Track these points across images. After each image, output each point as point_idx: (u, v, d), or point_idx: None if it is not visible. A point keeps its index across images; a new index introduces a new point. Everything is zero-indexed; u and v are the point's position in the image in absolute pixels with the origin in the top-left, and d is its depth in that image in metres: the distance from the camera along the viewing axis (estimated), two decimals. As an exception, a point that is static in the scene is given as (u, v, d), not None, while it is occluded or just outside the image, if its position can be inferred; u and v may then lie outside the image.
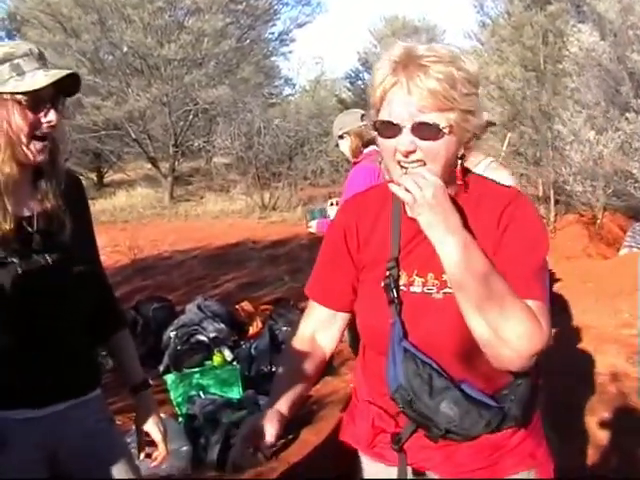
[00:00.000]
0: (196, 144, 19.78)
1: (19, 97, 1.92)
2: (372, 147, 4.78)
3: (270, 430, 1.84)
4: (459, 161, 1.79)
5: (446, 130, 1.70)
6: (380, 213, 1.94)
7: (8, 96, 1.92)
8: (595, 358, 5.73)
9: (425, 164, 1.72)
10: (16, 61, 1.95)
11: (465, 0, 13.52)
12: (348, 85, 28.78)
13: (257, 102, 18.98)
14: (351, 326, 2.10)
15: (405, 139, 1.70)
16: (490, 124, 4.67)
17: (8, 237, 1.97)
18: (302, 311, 5.92)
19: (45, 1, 17.40)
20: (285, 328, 5.93)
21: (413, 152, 1.71)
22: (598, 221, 10.85)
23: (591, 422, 4.62)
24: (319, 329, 2.10)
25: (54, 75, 1.95)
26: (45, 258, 2.06)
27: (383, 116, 1.75)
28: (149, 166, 21.39)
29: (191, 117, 19.39)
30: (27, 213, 2.06)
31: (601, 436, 4.42)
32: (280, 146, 17.70)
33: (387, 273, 1.85)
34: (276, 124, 17.70)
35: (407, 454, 1.87)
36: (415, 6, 75.18)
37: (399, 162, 1.73)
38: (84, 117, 17.82)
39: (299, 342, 2.10)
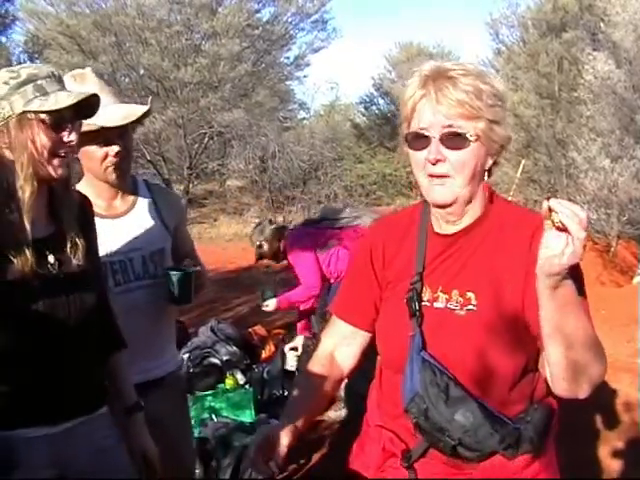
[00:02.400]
0: (210, 167, 19.85)
1: (43, 116, 1.97)
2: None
3: (284, 441, 1.89)
4: (486, 175, 1.83)
5: (473, 138, 1.75)
6: (407, 232, 1.97)
7: (32, 115, 1.96)
8: (608, 387, 5.69)
9: (453, 178, 1.76)
10: (39, 82, 2.00)
11: (480, 27, 13.58)
12: (362, 110, 28.83)
13: (272, 126, 19.05)
14: None
15: (434, 148, 1.75)
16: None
17: (26, 258, 1.99)
18: (314, 335, 5.92)
19: (64, 23, 17.57)
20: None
21: (442, 161, 1.76)
22: (612, 249, 10.81)
23: (604, 452, 4.59)
24: (339, 345, 2.13)
25: (77, 95, 2.01)
26: (60, 279, 2.08)
27: (412, 127, 1.81)
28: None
29: (206, 140, 19.46)
30: (42, 234, 2.08)
31: (614, 466, 4.40)
32: (294, 170, 17.76)
33: (410, 287, 1.87)
34: (290, 148, 17.75)
35: (417, 472, 1.87)
36: (430, 33, 75.58)
37: (429, 174, 1.78)
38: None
39: (319, 358, 2.14)
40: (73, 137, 2.03)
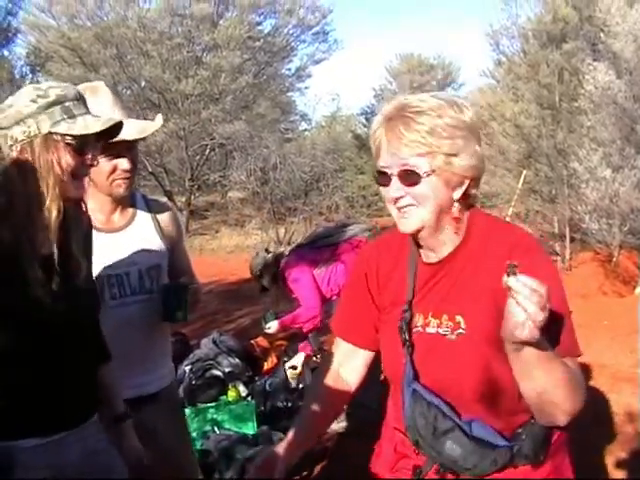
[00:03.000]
0: (212, 178, 19.89)
1: (69, 139, 2.01)
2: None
3: (284, 459, 1.95)
4: (456, 205, 1.87)
5: (425, 174, 1.80)
6: (398, 257, 2.03)
7: (59, 137, 2.00)
8: (611, 397, 5.69)
9: (416, 206, 1.83)
10: (67, 104, 2.04)
11: (481, 38, 13.61)
12: (364, 121, 28.86)
13: (273, 137, 19.09)
14: None
15: (393, 186, 1.83)
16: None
17: (39, 274, 2.04)
18: (314, 353, 5.92)
19: (65, 36, 17.64)
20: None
21: (403, 197, 1.83)
22: (614, 259, 10.80)
23: (607, 463, 4.58)
24: (344, 362, 2.18)
25: (106, 122, 2.07)
26: (63, 296, 2.11)
27: (377, 166, 1.89)
28: (165, 200, 21.46)
29: (207, 152, 19.51)
30: (47, 252, 2.10)
31: (617, 476, 4.39)
32: (296, 181, 17.77)
33: (401, 316, 1.93)
34: (292, 159, 17.77)
35: None
36: (431, 44, 75.70)
37: (396, 207, 1.86)
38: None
39: (325, 376, 2.19)
40: (95, 160, 2.10)
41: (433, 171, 1.80)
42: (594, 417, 5.31)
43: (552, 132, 11.61)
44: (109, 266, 2.66)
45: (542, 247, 1.95)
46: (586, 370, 6.09)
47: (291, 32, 20.39)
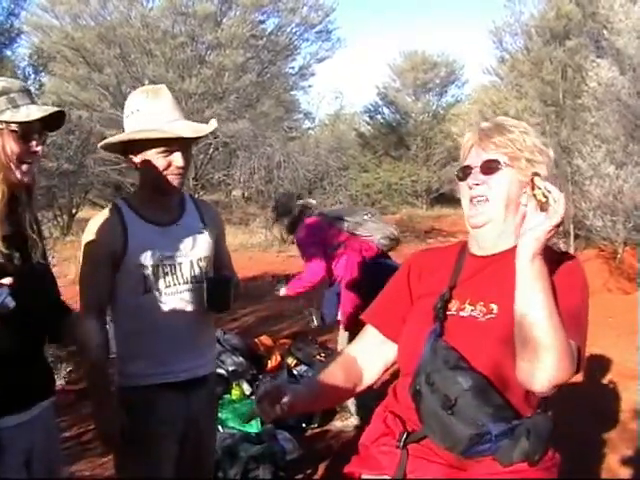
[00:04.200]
0: (216, 177, 19.90)
1: (13, 127, 2.17)
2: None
3: (292, 393, 2.01)
4: (522, 207, 1.98)
5: (504, 164, 2.01)
6: (447, 257, 2.18)
7: (3, 125, 2.16)
8: (616, 394, 5.68)
9: (488, 200, 2.02)
10: (12, 95, 2.20)
11: (484, 35, 13.60)
12: (367, 119, 28.92)
13: (277, 136, 19.10)
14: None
15: (473, 175, 2.05)
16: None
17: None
18: (321, 345, 5.98)
19: (69, 36, 17.64)
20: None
21: (479, 184, 2.03)
22: (619, 256, 10.78)
23: (613, 459, 4.58)
24: (364, 353, 2.27)
25: (46, 110, 2.23)
26: (24, 273, 2.22)
27: (462, 164, 2.10)
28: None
29: (211, 150, 19.51)
30: (4, 232, 2.23)
31: (623, 473, 4.38)
32: (299, 180, 17.79)
33: (440, 297, 2.04)
34: (295, 158, 17.78)
35: (409, 453, 1.98)
36: (434, 41, 75.73)
37: (470, 197, 2.05)
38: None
39: (343, 356, 2.31)
40: (39, 147, 2.24)
41: (512, 164, 2.01)
42: (599, 414, 5.31)
43: (556, 129, 11.60)
44: (163, 257, 2.83)
45: (582, 267, 2.09)
46: (591, 367, 6.08)
47: (294, 31, 20.35)
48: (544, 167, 2.03)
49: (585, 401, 5.12)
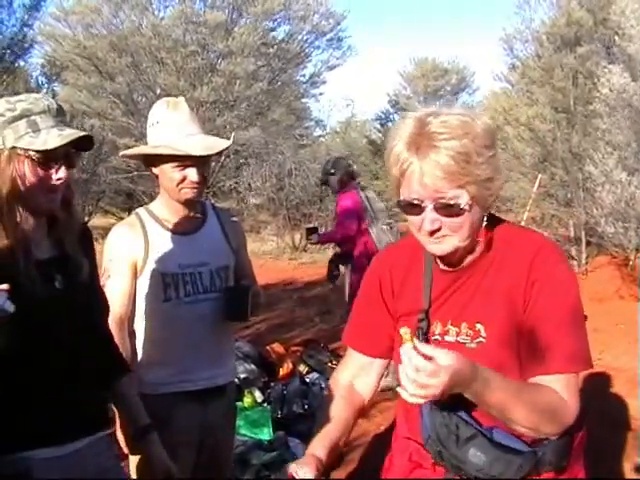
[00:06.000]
0: (227, 185, 19.92)
1: (32, 153, 2.02)
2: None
3: (309, 475, 1.86)
4: (485, 221, 1.84)
5: (467, 207, 1.74)
6: (411, 265, 2.00)
7: (22, 152, 2.02)
8: (628, 402, 5.66)
9: (451, 235, 1.78)
10: (33, 117, 2.05)
11: (494, 42, 13.57)
12: (378, 126, 28.86)
13: (288, 144, 19.10)
14: None
15: (429, 218, 1.74)
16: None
17: (33, 278, 2.06)
18: (332, 352, 6.00)
19: (81, 45, 17.71)
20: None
21: (439, 229, 1.76)
22: (631, 262, 10.73)
23: (626, 468, 4.56)
24: (357, 376, 2.14)
25: (67, 136, 2.05)
26: (67, 297, 2.15)
27: (404, 194, 1.79)
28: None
29: (222, 158, 19.53)
30: (46, 256, 2.15)
31: (636, 482, 4.36)
32: (311, 187, 17.77)
33: (417, 325, 1.89)
34: (307, 166, 17.79)
35: None
36: (445, 48, 75.68)
37: (428, 233, 1.78)
38: (117, 158, 18.05)
39: (338, 389, 2.14)
40: (62, 174, 2.08)
41: (473, 200, 1.74)
42: (611, 422, 5.28)
43: (567, 136, 11.57)
44: (183, 265, 2.87)
45: (561, 254, 1.92)
46: (603, 375, 6.06)
47: (305, 38, 20.33)
48: (497, 160, 1.79)
49: (596, 409, 5.10)
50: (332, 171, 6.84)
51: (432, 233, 1.77)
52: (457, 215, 1.74)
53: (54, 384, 2.11)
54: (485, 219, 1.84)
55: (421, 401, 1.58)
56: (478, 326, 1.83)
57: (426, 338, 1.87)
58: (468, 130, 1.73)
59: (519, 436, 1.79)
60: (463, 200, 1.72)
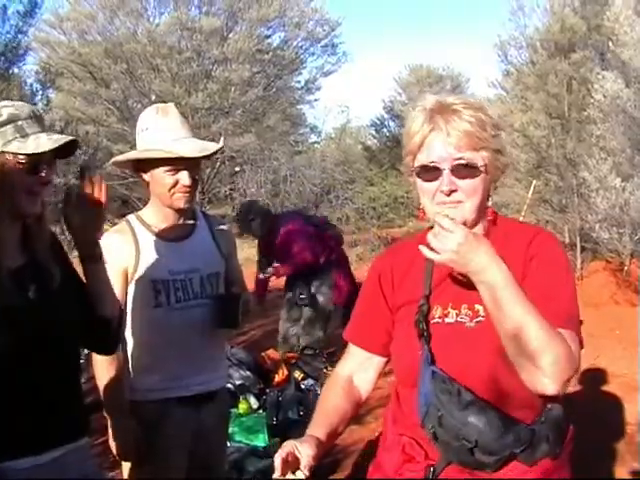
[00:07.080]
0: (223, 191, 19.91)
1: (20, 158, 2.05)
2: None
3: (308, 452, 1.91)
4: (489, 202, 1.97)
5: (482, 169, 1.88)
6: (414, 258, 2.04)
7: (10, 156, 2.05)
8: (623, 407, 5.66)
9: (462, 202, 1.88)
10: (20, 123, 2.08)
11: (489, 49, 13.61)
12: (373, 132, 28.87)
13: (283, 150, 19.12)
14: None
15: (446, 180, 1.87)
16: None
17: (5, 287, 2.07)
18: (327, 359, 6.01)
19: (76, 52, 17.70)
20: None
21: (455, 191, 1.88)
22: (626, 268, 10.75)
23: (621, 472, 4.56)
24: (357, 371, 2.21)
25: (57, 141, 2.09)
26: (40, 307, 2.15)
27: (422, 160, 1.92)
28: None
29: (218, 164, 19.53)
30: (17, 264, 2.16)
31: (631, 487, 4.37)
32: (306, 194, 17.81)
33: (418, 309, 1.96)
34: (302, 172, 17.81)
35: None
36: (439, 55, 75.88)
37: (441, 202, 1.90)
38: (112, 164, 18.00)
39: (337, 382, 2.21)
40: (48, 178, 2.13)
41: (486, 166, 1.89)
42: (607, 426, 5.29)
43: (561, 142, 11.58)
44: (173, 272, 2.88)
45: (560, 242, 2.02)
46: (598, 379, 6.06)
47: (300, 45, 20.35)
48: (504, 142, 1.99)
49: (590, 413, 5.10)
50: (251, 217, 6.77)
51: (449, 194, 1.87)
52: (472, 177, 1.87)
53: (30, 394, 2.11)
54: (490, 202, 1.96)
55: (438, 257, 1.76)
56: (477, 307, 1.89)
57: (426, 321, 1.94)
58: (481, 106, 1.93)
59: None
60: (479, 162, 1.88)
